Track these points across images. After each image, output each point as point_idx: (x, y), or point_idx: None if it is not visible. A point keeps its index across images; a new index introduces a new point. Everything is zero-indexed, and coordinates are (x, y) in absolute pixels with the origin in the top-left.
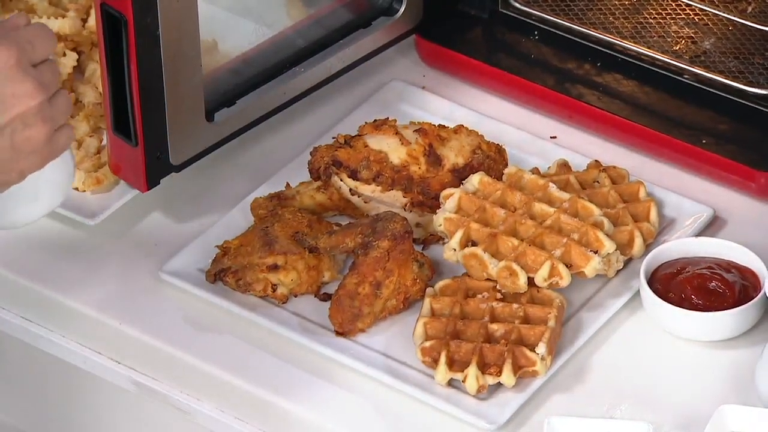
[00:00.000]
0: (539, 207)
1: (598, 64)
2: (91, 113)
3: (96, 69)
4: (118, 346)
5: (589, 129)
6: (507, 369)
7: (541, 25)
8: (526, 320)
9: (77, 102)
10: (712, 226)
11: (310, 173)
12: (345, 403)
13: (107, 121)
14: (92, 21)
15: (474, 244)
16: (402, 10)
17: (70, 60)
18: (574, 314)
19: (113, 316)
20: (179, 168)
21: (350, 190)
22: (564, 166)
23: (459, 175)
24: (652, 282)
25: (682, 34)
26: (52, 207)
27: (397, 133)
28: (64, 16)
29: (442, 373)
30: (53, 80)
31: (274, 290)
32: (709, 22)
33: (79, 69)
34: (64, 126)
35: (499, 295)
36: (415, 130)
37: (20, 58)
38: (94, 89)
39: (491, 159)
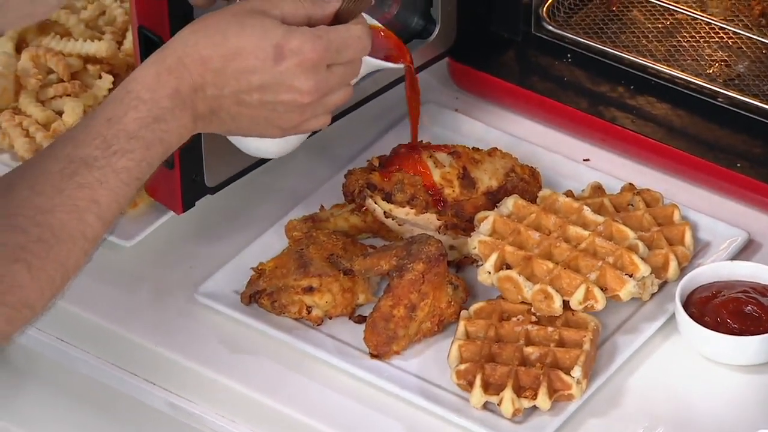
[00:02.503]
0: (574, 230)
1: (632, 87)
2: None
3: None
4: (154, 367)
5: (623, 152)
6: (542, 392)
7: (575, 48)
8: (561, 343)
9: None
10: (747, 250)
11: (345, 196)
12: (380, 426)
13: None
14: (128, 44)
15: (509, 267)
16: (435, 32)
17: (105, 82)
18: (609, 337)
19: (148, 337)
20: (215, 190)
21: (384, 212)
22: (598, 188)
23: (493, 198)
24: (687, 306)
25: (715, 58)
26: (285, 151)
27: (431, 155)
28: (100, 39)
29: (478, 396)
30: (339, 83)
31: (309, 312)
32: (743, 46)
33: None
34: (320, 115)
35: (534, 318)
36: (449, 153)
37: (320, 58)
38: None
39: (525, 182)
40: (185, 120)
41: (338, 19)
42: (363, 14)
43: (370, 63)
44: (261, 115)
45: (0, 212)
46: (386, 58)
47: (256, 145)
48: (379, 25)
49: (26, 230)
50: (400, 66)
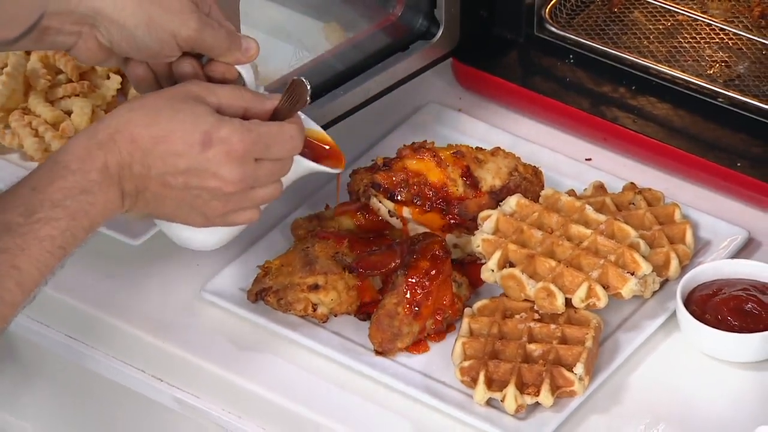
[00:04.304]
0: (576, 229)
1: (633, 88)
2: None
3: None
4: (161, 364)
5: (625, 151)
6: (545, 389)
7: (577, 49)
8: (563, 341)
9: None
10: (747, 248)
11: (350, 195)
12: (384, 422)
13: None
14: None
15: (512, 265)
16: (439, 34)
17: (113, 83)
18: (610, 335)
19: (156, 334)
20: None
21: (389, 211)
22: (600, 188)
23: (496, 197)
24: (688, 303)
25: (716, 58)
26: (213, 245)
27: (434, 155)
28: None
29: (481, 392)
30: (267, 178)
31: (315, 310)
32: (743, 47)
33: (122, 91)
34: (248, 209)
35: (536, 316)
36: (453, 153)
37: (248, 151)
38: None
39: (528, 181)
40: (112, 195)
41: (275, 116)
42: (308, 120)
43: (304, 164)
44: (185, 200)
45: None
46: (322, 162)
47: (186, 235)
48: (321, 130)
49: None
50: (336, 171)
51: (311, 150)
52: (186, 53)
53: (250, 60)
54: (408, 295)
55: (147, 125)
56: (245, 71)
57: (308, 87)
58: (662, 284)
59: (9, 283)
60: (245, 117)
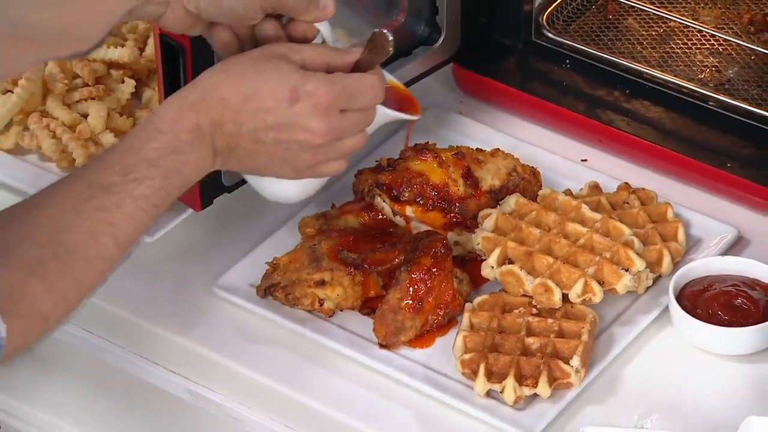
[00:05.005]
0: (572, 227)
1: (627, 91)
2: None
3: (152, 95)
4: (174, 356)
5: (619, 153)
6: (543, 381)
7: (573, 54)
8: (560, 334)
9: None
10: (736, 246)
11: (355, 194)
12: (388, 412)
13: None
14: (149, 50)
15: (511, 261)
16: (440, 40)
17: (128, 87)
18: (606, 329)
19: (169, 328)
20: (231, 189)
21: (392, 210)
22: (595, 188)
23: (495, 196)
24: (680, 298)
25: (707, 63)
26: (301, 196)
27: (436, 156)
28: (123, 45)
29: (481, 384)
30: (353, 128)
31: (321, 304)
32: (732, 52)
33: (136, 95)
34: (336, 160)
35: (534, 311)
36: (454, 154)
37: (333, 102)
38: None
39: (526, 181)
40: (204, 154)
41: (356, 69)
42: (384, 72)
43: (385, 113)
44: (276, 154)
45: (24, 227)
46: (400, 110)
47: (273, 188)
48: (396, 80)
49: (44, 246)
50: (415, 117)
51: (389, 100)
52: (268, 15)
53: (328, 16)
54: (411, 291)
55: (234, 86)
56: (324, 28)
57: (390, 37)
58: (655, 280)
59: (106, 240)
60: (328, 71)
